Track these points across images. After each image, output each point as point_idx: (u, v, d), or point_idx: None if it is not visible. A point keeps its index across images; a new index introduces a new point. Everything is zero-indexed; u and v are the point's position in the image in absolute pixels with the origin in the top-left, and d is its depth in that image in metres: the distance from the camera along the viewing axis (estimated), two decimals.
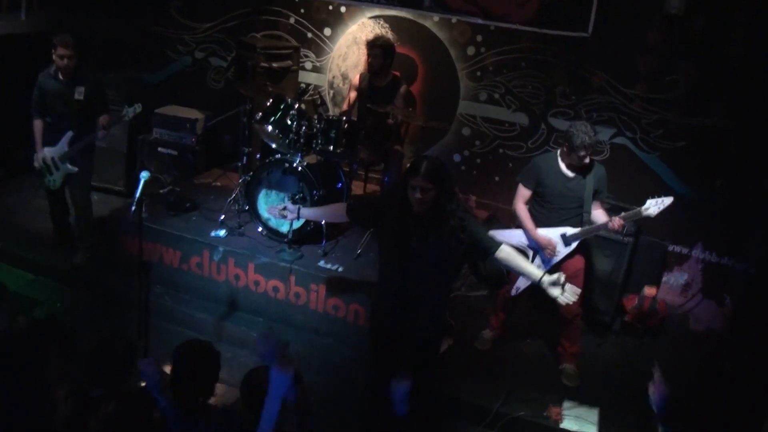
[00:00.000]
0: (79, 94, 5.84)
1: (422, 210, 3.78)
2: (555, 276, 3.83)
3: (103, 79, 6.17)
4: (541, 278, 3.87)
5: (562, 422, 4.90)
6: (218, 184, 7.19)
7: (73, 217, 6.42)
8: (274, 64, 7.11)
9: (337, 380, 5.40)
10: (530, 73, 6.85)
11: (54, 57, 5.76)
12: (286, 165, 5.93)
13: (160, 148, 7.51)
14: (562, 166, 5.05)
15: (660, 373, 3.29)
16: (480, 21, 6.78)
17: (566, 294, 3.82)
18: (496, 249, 3.89)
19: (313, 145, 5.95)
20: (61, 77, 5.84)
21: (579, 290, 3.88)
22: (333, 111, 7.53)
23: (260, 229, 6.13)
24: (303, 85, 7.56)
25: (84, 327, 4.62)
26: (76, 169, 5.98)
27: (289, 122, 5.91)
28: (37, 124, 6.01)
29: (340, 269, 5.77)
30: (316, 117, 5.98)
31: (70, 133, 5.89)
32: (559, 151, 5.10)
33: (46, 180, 6.10)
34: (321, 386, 5.22)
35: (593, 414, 5.00)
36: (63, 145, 5.91)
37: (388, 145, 6.42)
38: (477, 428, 4.95)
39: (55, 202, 6.33)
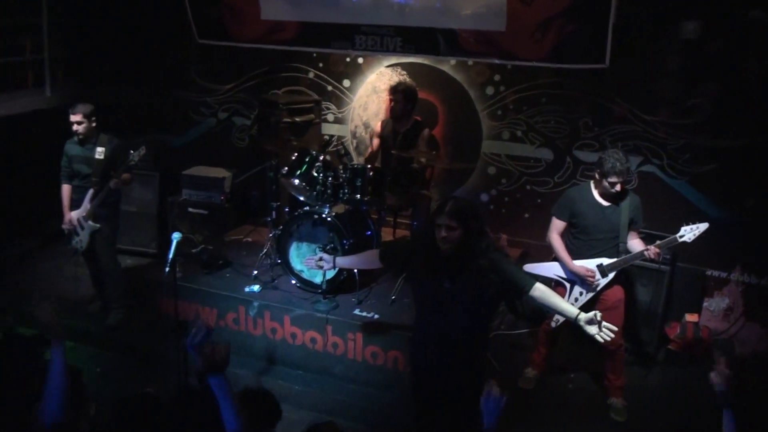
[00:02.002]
0: (99, 153, 6.02)
1: (449, 250, 3.76)
2: (591, 314, 3.75)
3: (124, 141, 6.28)
4: (577, 316, 3.79)
5: None
6: (249, 239, 7.25)
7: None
8: (297, 119, 7.22)
9: (378, 428, 5.33)
10: (551, 108, 6.87)
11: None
12: (315, 216, 5.96)
13: (190, 209, 7.59)
14: (596, 195, 5.03)
15: (724, 356, 3.21)
16: (497, 61, 6.83)
17: (603, 332, 3.73)
18: (531, 287, 3.83)
19: (341, 195, 6.00)
20: (81, 142, 6.05)
21: (616, 327, 3.79)
22: (357, 160, 7.59)
23: (294, 281, 6.15)
24: (326, 137, 7.65)
25: (124, 390, 4.63)
26: (98, 225, 6.07)
27: (315, 174, 5.98)
28: (65, 189, 6.19)
29: (376, 316, 5.74)
30: (341, 167, 6.04)
31: (90, 191, 6.03)
32: (592, 181, 5.09)
33: (74, 242, 6.20)
34: None
35: None
36: (86, 203, 6.05)
37: (415, 189, 6.44)
38: None
39: (91, 266, 6.43)
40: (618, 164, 4.81)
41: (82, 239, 6.17)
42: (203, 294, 6.17)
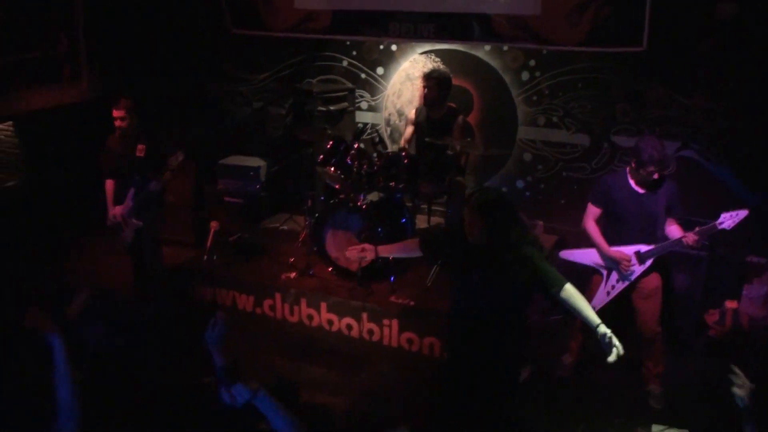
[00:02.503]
0: (140, 151, 6.01)
1: (475, 241, 3.78)
2: (608, 331, 3.72)
3: (164, 138, 6.32)
4: (597, 325, 3.75)
5: None
6: (285, 227, 7.31)
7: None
8: (331, 107, 7.25)
9: (415, 414, 5.34)
10: (588, 92, 6.80)
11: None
12: (350, 204, 6.00)
13: (226, 198, 7.67)
14: (632, 182, 4.96)
15: (740, 372, 3.18)
16: (532, 46, 6.77)
17: (612, 354, 3.69)
18: (560, 288, 3.81)
19: (375, 183, 6.01)
20: (123, 137, 6.05)
21: (623, 352, 3.73)
22: (391, 148, 7.60)
23: (330, 269, 6.18)
24: (360, 125, 7.67)
25: (162, 378, 4.70)
26: (140, 223, 6.09)
27: (349, 162, 5.99)
28: (108, 184, 6.19)
29: (412, 303, 5.76)
30: (375, 155, 6.06)
31: (132, 190, 6.03)
32: (628, 168, 5.02)
33: (119, 237, 6.24)
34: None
35: None
36: (128, 201, 6.05)
37: (449, 177, 6.43)
38: None
39: (135, 260, 6.42)
40: (655, 153, 4.74)
41: (126, 235, 6.18)
42: (240, 281, 6.24)
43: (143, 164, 6.02)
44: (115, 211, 6.12)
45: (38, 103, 7.67)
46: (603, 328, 3.72)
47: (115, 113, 5.96)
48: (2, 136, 8.08)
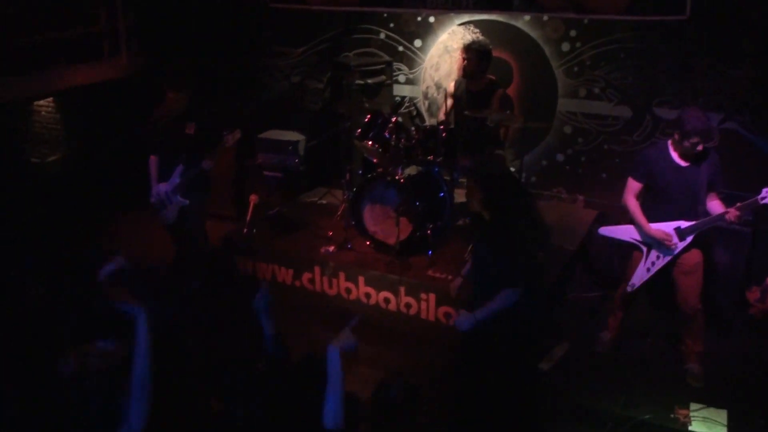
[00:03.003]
0: (190, 128, 5.90)
1: (473, 210, 3.98)
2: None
3: (215, 115, 6.22)
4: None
5: (690, 425, 4.70)
6: (324, 201, 7.35)
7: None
8: (369, 81, 7.24)
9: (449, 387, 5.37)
10: (630, 63, 6.66)
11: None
12: (388, 178, 5.99)
13: (265, 172, 7.73)
14: (674, 155, 4.85)
15: None
16: (573, 16, 6.65)
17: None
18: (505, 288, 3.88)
19: (413, 157, 5.99)
20: (172, 114, 5.93)
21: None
22: (429, 121, 7.55)
23: (368, 242, 6.21)
24: (398, 98, 7.64)
25: (202, 351, 4.80)
26: (186, 201, 5.99)
27: (387, 136, 5.98)
28: (153, 160, 6.07)
29: (450, 277, 5.76)
30: (413, 128, 6.03)
31: (180, 167, 5.92)
32: (670, 140, 4.92)
33: (161, 214, 6.16)
34: None
35: (722, 416, 4.75)
36: (175, 178, 5.94)
37: (488, 150, 6.38)
38: None
39: (176, 238, 6.36)
40: (699, 124, 4.63)
41: (169, 212, 6.09)
42: (279, 254, 6.30)
43: (194, 142, 5.92)
44: (159, 188, 6.05)
45: (78, 79, 7.78)
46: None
47: (170, 95, 5.84)
48: (43, 112, 8.24)
